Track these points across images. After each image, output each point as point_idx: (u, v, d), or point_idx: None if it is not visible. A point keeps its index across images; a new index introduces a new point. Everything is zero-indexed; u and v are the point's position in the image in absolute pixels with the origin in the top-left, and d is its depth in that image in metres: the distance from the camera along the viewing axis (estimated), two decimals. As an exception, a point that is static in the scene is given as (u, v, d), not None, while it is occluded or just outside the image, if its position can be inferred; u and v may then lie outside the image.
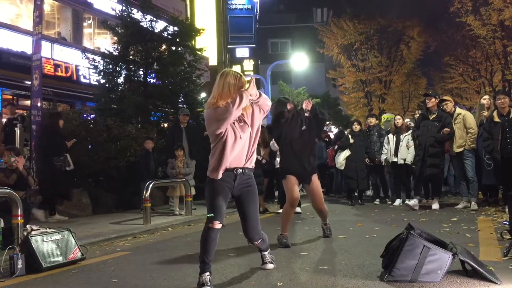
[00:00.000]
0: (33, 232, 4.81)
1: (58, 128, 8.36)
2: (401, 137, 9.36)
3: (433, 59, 30.48)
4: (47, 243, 4.77)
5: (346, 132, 10.60)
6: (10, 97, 15.21)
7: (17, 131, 10.29)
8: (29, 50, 11.05)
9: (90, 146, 9.89)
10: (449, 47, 28.32)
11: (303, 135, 5.61)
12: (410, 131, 9.34)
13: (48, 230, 5.00)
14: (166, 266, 4.05)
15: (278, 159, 8.59)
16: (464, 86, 29.04)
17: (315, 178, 5.68)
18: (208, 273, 3.71)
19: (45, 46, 15.35)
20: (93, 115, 11.76)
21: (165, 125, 12.43)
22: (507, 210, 5.97)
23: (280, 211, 8.13)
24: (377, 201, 10.09)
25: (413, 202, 8.63)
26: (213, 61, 25.48)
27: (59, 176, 8.02)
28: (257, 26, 34.22)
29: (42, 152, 8.32)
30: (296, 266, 4.42)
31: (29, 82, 10.58)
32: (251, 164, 3.97)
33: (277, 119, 5.72)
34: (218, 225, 3.81)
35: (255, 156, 4.04)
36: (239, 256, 5.06)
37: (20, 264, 4.45)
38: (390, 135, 9.63)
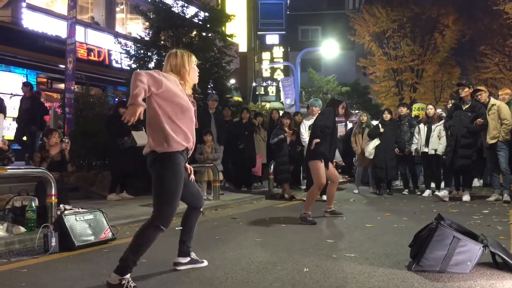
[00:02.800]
0: (66, 212, 4.95)
1: (118, 113, 8.63)
2: (433, 127, 9.20)
3: (467, 48, 29.68)
4: (80, 223, 4.91)
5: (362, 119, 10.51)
6: (45, 80, 15.57)
7: (51, 113, 10.55)
8: (63, 34, 11.29)
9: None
10: (485, 36, 27.46)
11: (335, 128, 6.64)
12: (442, 121, 9.17)
13: (80, 210, 5.14)
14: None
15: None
16: (500, 77, 28.17)
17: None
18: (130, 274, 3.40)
19: (79, 30, 15.61)
20: (124, 99, 11.93)
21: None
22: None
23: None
24: (405, 192, 9.98)
25: (443, 193, 8.50)
26: (243, 47, 25.43)
27: (124, 156, 8.37)
28: (288, 12, 33.96)
29: (109, 136, 8.69)
30: (323, 253, 4.42)
31: (63, 66, 10.82)
32: None
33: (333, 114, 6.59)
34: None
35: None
36: (265, 241, 5.10)
37: (53, 242, 4.60)
38: (421, 125, 9.48)
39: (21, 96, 10.76)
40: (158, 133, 3.45)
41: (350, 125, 14.51)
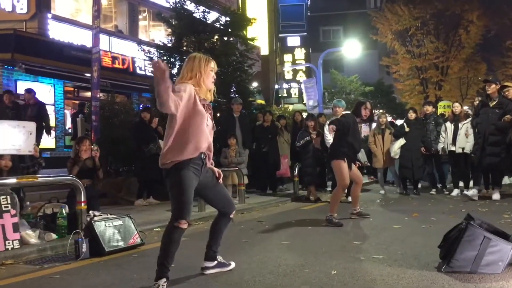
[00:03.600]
0: (95, 218, 5.05)
1: (144, 121, 8.88)
2: (460, 125, 9.05)
3: (493, 44, 29.09)
4: (109, 228, 5.00)
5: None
6: (72, 89, 15.89)
7: (79, 121, 10.74)
8: (88, 44, 11.49)
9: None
10: (510, 31, 26.89)
11: (356, 130, 6.68)
12: (469, 119, 9.01)
13: (109, 216, 5.23)
14: (221, 252, 4.15)
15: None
16: (527, 72, 27.61)
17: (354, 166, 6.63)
18: (165, 280, 3.46)
19: (103, 39, 15.88)
20: (149, 105, 12.08)
21: (218, 114, 12.60)
22: None
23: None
24: (433, 191, 9.84)
25: (472, 192, 8.35)
26: (264, 50, 25.45)
27: (150, 162, 8.41)
28: (308, 13, 33.84)
29: (136, 143, 8.87)
30: (350, 255, 4.40)
31: (89, 74, 11.02)
32: None
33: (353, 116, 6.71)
34: (185, 225, 3.58)
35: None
36: (292, 244, 5.09)
37: (84, 247, 4.69)
38: (448, 123, 9.34)
39: (23, 104, 10.71)
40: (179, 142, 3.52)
41: (374, 125, 14.37)
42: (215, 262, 3.94)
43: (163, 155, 3.55)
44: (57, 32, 14.73)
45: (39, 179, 5.56)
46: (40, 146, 12.63)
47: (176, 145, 3.51)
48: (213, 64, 3.73)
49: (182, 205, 3.56)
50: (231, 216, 3.93)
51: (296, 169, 9.92)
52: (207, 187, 3.76)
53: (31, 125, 5.71)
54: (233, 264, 4.02)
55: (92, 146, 6.76)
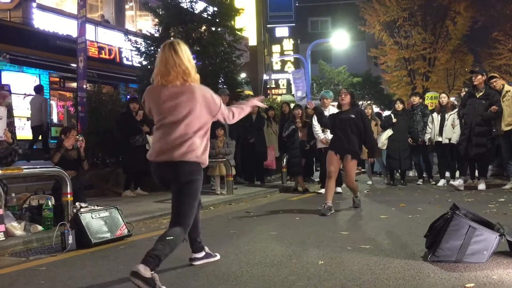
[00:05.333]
0: (82, 210, 5.01)
1: (130, 111, 8.74)
2: (446, 116, 9.12)
3: (480, 35, 29.30)
4: (96, 220, 4.96)
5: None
6: (58, 79, 15.70)
7: (64, 112, 10.61)
8: (74, 34, 11.35)
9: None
10: (497, 22, 27.06)
11: (346, 123, 6.58)
12: (456, 109, 9.08)
13: (96, 207, 5.20)
14: (209, 243, 4.14)
15: (319, 139, 8.59)
16: (513, 63, 27.83)
17: (352, 161, 6.59)
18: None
19: (89, 29, 15.66)
20: (136, 96, 11.99)
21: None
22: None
23: (321, 191, 8.17)
24: (420, 182, 9.93)
25: (458, 182, 8.44)
26: (252, 41, 25.37)
27: (137, 154, 8.40)
28: (297, 4, 33.74)
29: (121, 134, 8.76)
30: (337, 245, 4.42)
31: (75, 65, 10.89)
32: None
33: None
34: None
35: None
36: (279, 235, 5.10)
37: (70, 239, 4.66)
38: (435, 114, 9.41)
39: None
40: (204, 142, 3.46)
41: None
42: (204, 253, 3.95)
43: (204, 159, 3.43)
44: (42, 21, 14.53)
45: (24, 170, 5.48)
46: (27, 137, 12.58)
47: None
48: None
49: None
50: (200, 202, 3.79)
51: (284, 160, 9.93)
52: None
53: (1, 110, 5.55)
54: (218, 256, 4.05)
55: (77, 137, 6.69)
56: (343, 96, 6.74)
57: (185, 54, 3.42)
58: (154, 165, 3.44)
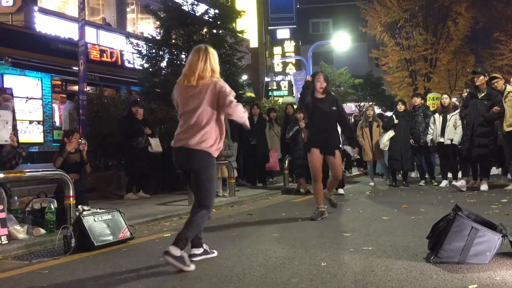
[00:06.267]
0: (84, 212, 5.01)
1: (132, 114, 8.73)
2: (448, 116, 9.11)
3: (482, 36, 29.29)
4: (98, 223, 4.96)
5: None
6: (59, 82, 15.73)
7: (67, 115, 10.63)
8: (76, 37, 11.37)
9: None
10: (499, 23, 27.07)
11: (323, 114, 6.13)
12: (458, 110, 9.07)
13: (98, 210, 5.20)
14: (211, 245, 4.15)
15: None
16: (515, 63, 27.81)
17: (337, 154, 6.21)
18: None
19: (91, 32, 15.75)
20: (138, 99, 12.01)
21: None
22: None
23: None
24: (422, 183, 9.92)
25: (460, 183, 8.42)
26: (254, 43, 25.40)
27: (139, 156, 8.48)
28: (298, 6, 33.79)
29: (123, 136, 8.77)
30: (340, 247, 4.42)
31: (77, 68, 10.92)
32: None
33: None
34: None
35: None
36: (282, 236, 5.10)
37: (73, 242, 4.66)
38: (437, 115, 9.40)
39: None
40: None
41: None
42: (202, 249, 4.09)
43: (213, 150, 3.91)
44: (43, 25, 14.56)
45: (27, 173, 5.50)
46: (29, 141, 12.62)
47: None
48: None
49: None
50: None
51: (286, 161, 9.92)
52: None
53: (7, 114, 5.57)
54: (216, 253, 4.21)
55: (80, 140, 6.70)
56: (322, 80, 6.15)
57: (209, 60, 3.92)
58: (173, 150, 3.99)
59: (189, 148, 3.82)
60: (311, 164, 6.19)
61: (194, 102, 3.86)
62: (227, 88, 3.88)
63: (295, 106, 11.63)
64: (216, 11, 12.53)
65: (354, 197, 8.34)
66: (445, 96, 9.60)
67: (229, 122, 9.58)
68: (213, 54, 3.97)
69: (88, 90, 10.25)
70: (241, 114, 3.93)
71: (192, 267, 3.74)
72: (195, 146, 3.81)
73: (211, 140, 3.85)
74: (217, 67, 3.97)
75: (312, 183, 6.48)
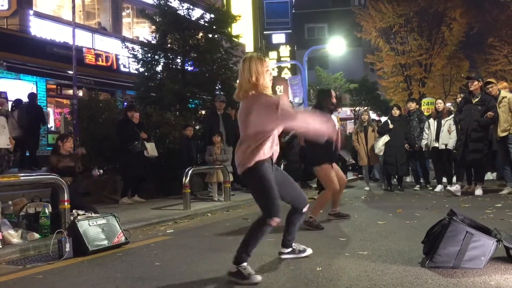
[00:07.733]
0: (79, 217, 5.00)
1: (128, 118, 8.75)
2: (442, 121, 9.14)
3: (476, 41, 29.44)
4: (93, 227, 4.94)
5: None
6: (54, 86, 15.69)
7: (62, 119, 10.61)
8: (71, 41, 11.36)
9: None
10: (493, 28, 27.23)
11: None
12: (452, 115, 9.11)
13: (93, 215, 5.19)
14: (206, 250, 4.14)
15: None
16: (509, 69, 27.95)
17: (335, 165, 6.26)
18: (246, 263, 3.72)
19: (87, 36, 15.76)
20: (133, 103, 12.00)
21: (203, 112, 12.57)
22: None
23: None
24: (417, 187, 9.94)
25: (455, 188, 8.44)
26: (249, 47, 25.44)
27: (135, 160, 8.48)
28: (293, 11, 33.88)
29: (119, 141, 8.77)
30: (335, 252, 4.42)
31: (72, 72, 10.91)
32: None
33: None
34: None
35: None
36: (277, 241, 5.08)
37: (67, 247, 4.64)
38: (431, 120, 9.43)
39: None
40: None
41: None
42: (290, 249, 4.24)
43: (248, 163, 3.78)
44: (39, 29, 14.54)
45: (21, 178, 5.49)
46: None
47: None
48: (268, 62, 3.79)
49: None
50: (304, 210, 4.10)
51: (281, 166, 9.92)
52: (284, 184, 4.04)
53: (2, 119, 5.58)
54: (309, 250, 4.27)
55: (79, 147, 6.69)
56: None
57: (248, 70, 3.66)
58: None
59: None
60: (330, 177, 5.97)
61: (240, 120, 3.87)
62: (270, 99, 3.75)
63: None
64: (212, 15, 12.58)
65: (349, 202, 8.34)
66: (440, 101, 9.64)
67: (224, 126, 9.66)
68: (252, 62, 3.73)
69: (79, 93, 10.25)
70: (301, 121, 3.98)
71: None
72: (239, 165, 3.93)
73: (244, 156, 3.86)
74: (254, 76, 3.71)
75: (333, 195, 6.21)
